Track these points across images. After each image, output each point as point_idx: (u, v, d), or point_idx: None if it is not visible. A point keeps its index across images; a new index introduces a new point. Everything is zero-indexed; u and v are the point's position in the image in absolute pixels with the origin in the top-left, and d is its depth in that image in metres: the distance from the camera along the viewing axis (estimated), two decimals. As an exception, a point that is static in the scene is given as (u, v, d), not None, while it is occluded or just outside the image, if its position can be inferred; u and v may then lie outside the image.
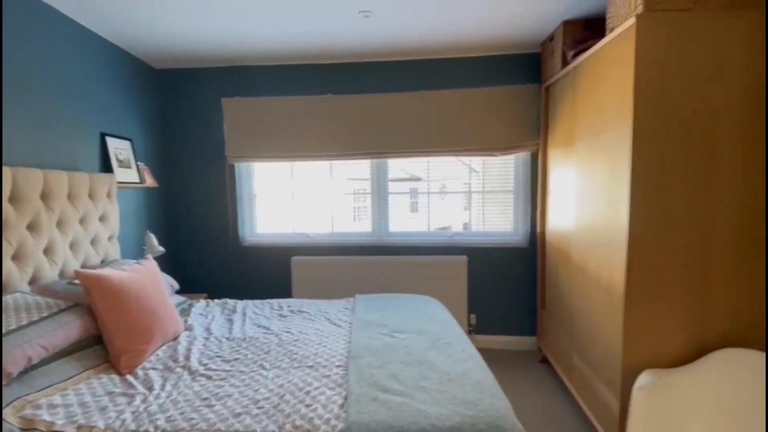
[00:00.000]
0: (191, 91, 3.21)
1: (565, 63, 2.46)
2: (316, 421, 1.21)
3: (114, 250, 2.42)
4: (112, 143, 2.62)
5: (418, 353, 1.64)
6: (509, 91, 2.97)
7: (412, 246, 3.21)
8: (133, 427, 1.21)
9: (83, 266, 2.15)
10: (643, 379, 1.59)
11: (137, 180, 2.80)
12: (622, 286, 1.75)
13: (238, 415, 1.26)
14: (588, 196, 2.13)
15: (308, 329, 1.98)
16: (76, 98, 2.32)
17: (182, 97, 3.22)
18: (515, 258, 3.13)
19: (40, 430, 1.17)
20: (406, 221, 3.35)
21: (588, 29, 2.39)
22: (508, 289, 3.15)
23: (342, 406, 1.29)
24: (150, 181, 2.96)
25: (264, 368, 1.59)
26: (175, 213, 3.31)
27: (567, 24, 2.44)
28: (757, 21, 1.59)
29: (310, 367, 1.58)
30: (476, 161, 3.20)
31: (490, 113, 3.01)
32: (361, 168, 3.29)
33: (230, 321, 2.12)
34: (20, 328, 1.37)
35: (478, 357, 1.63)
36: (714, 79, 1.62)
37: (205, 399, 1.36)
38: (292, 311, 2.29)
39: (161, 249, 2.71)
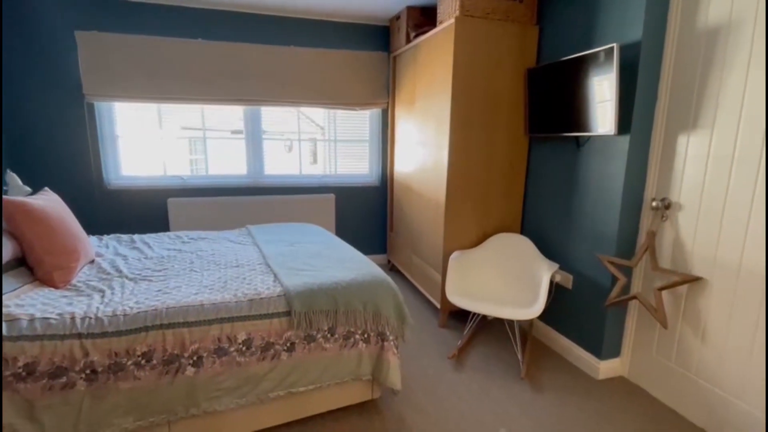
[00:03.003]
0: (31, 17, 2.91)
1: (408, 39, 3.22)
2: (260, 289, 1.74)
3: (-25, 190, 2.28)
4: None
5: (317, 252, 2.26)
6: (366, 56, 3.63)
7: (286, 187, 3.71)
8: (108, 310, 1.53)
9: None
10: (454, 256, 2.56)
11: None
12: (443, 201, 2.67)
13: (197, 293, 1.69)
14: (424, 144, 2.99)
15: (218, 248, 2.39)
16: None
17: (18, 23, 2.89)
18: (371, 194, 3.94)
19: (24, 319, 1.40)
20: (280, 165, 3.79)
21: (424, 16, 3.18)
22: (366, 219, 3.97)
23: (274, 281, 1.84)
24: (-9, 118, 2.69)
25: (195, 271, 1.99)
26: (24, 154, 3.04)
27: (410, 8, 3.18)
28: (520, 30, 2.56)
29: (236, 267, 2.05)
30: (340, 115, 3.80)
31: (349, 73, 3.62)
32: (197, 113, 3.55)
33: (136, 249, 2.35)
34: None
35: (359, 252, 2.34)
36: (497, 66, 2.57)
37: (159, 290, 1.73)
38: (192, 239, 2.60)
39: (27, 189, 2.59)
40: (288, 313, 1.66)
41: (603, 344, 2.20)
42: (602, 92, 2.00)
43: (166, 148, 3.41)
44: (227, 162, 3.60)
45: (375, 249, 4.06)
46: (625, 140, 2.02)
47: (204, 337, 1.54)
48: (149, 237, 2.59)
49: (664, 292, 1.96)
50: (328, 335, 1.71)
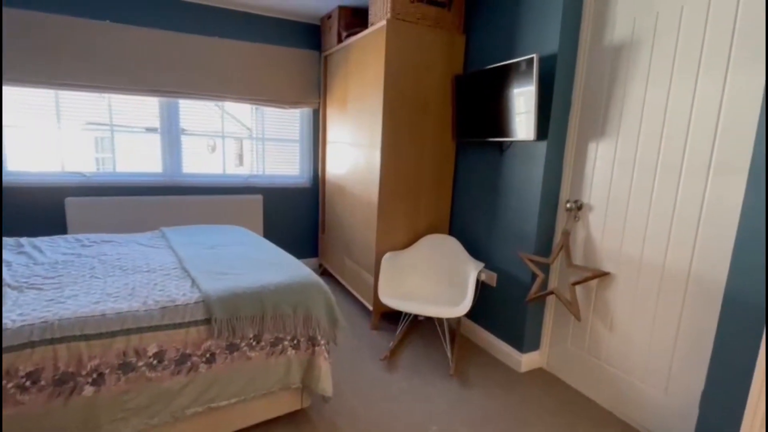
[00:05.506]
0: None
1: (340, 39, 3.18)
2: (175, 296, 1.58)
3: None
4: None
5: (242, 254, 2.12)
6: (296, 53, 3.52)
7: (208, 187, 3.46)
8: (-19, 325, 1.28)
9: None
10: (386, 257, 2.56)
11: None
12: (376, 202, 2.66)
13: (97, 302, 1.48)
14: (357, 144, 2.96)
15: (126, 251, 2.14)
16: None
17: None
18: (301, 196, 3.82)
19: None
20: (201, 163, 3.52)
21: (356, 17, 3.16)
22: (296, 221, 3.84)
23: (192, 286, 1.68)
24: None
25: (96, 278, 1.75)
26: None
27: (342, 8, 3.14)
28: (449, 37, 2.64)
29: (147, 272, 1.85)
30: (269, 113, 3.64)
31: (278, 70, 3.49)
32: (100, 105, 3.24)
33: (24, 253, 2.02)
34: None
35: (288, 254, 2.23)
36: (426, 70, 2.62)
37: (51, 300, 1.49)
38: (94, 242, 2.31)
39: None
40: (208, 321, 1.52)
41: (524, 339, 2.32)
42: (523, 100, 2.12)
43: (65, 142, 3.01)
44: (139, 160, 3.27)
45: (306, 252, 3.93)
46: (543, 146, 2.16)
47: (106, 351, 1.35)
48: (41, 240, 2.26)
49: (578, 287, 2.11)
50: (254, 343, 1.60)
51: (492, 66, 2.29)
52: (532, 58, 2.01)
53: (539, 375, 2.31)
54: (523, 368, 2.33)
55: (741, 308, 1.42)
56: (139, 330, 1.41)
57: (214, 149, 3.55)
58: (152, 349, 1.42)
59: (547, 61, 2.10)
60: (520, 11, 2.26)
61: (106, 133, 3.13)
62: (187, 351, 1.47)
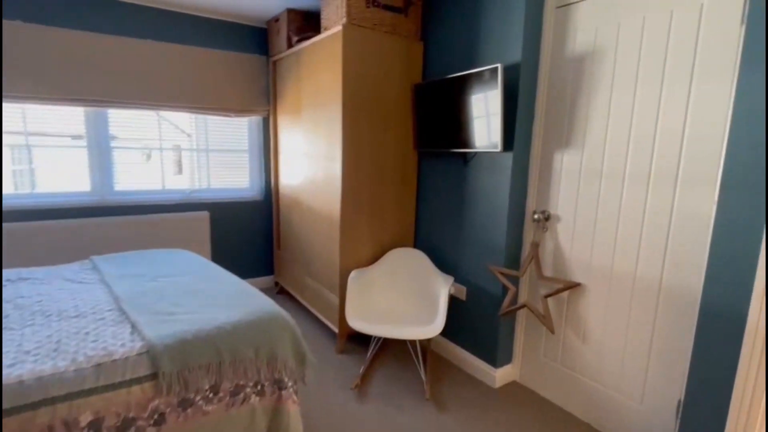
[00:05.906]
0: None
1: (290, 44, 2.98)
2: (112, 347, 1.33)
3: None
4: None
5: (190, 287, 1.88)
6: (241, 58, 3.28)
7: (145, 205, 3.12)
8: None
9: None
10: (352, 275, 2.41)
11: None
12: (338, 216, 2.50)
13: (13, 365, 1.22)
14: (314, 155, 2.79)
15: (49, 291, 1.83)
16: None
17: None
18: (253, 211, 3.57)
19: None
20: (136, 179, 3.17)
21: (306, 20, 2.99)
22: (248, 238, 3.58)
23: (132, 332, 1.44)
24: None
25: (11, 329, 1.46)
26: None
27: (290, 11, 2.95)
28: (406, 44, 2.54)
29: (76, 317, 1.57)
30: (213, 121, 3.35)
31: (223, 76, 3.22)
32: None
33: None
34: None
35: (244, 282, 2.02)
36: (385, 78, 2.51)
37: (-53, 368, 1.20)
38: (9, 280, 1.96)
39: None
40: (154, 376, 1.29)
41: (497, 353, 2.27)
42: (488, 110, 2.06)
43: (-34, 158, 2.57)
44: (63, 178, 2.87)
45: (260, 271, 3.68)
46: (508, 157, 2.11)
47: (25, 428, 1.10)
48: (-64, 283, 1.88)
49: (549, 299, 2.09)
50: (210, 395, 1.39)
51: (454, 75, 2.22)
52: (496, 68, 1.96)
53: (514, 389, 2.27)
54: (498, 383, 2.28)
55: (718, 317, 1.44)
56: (68, 397, 1.16)
57: (149, 157, 3.21)
58: (86, 418, 1.18)
59: (509, 71, 2.06)
60: (480, 19, 2.21)
61: (21, 140, 2.72)
62: (131, 414, 1.24)
